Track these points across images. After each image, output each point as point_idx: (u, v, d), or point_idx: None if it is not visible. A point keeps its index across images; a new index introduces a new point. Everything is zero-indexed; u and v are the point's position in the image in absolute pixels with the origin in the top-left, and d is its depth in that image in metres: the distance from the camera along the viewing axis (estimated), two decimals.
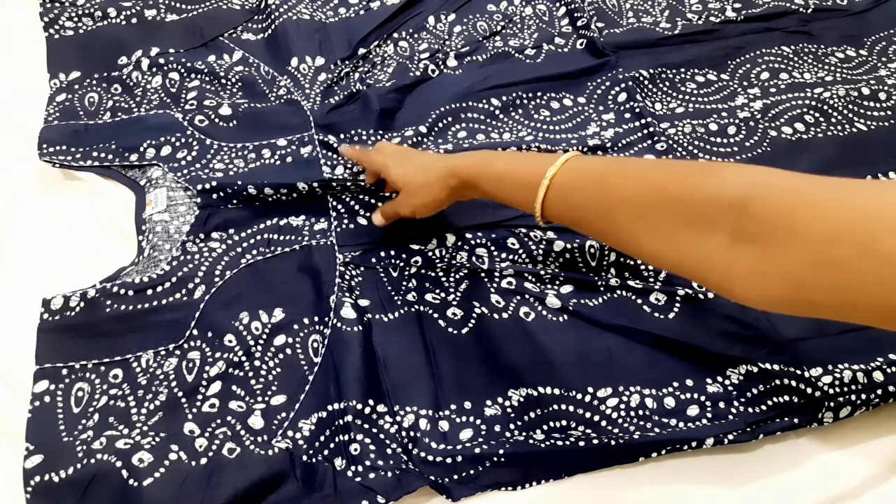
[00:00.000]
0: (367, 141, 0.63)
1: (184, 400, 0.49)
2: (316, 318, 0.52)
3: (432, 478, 0.46)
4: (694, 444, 0.47)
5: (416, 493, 0.46)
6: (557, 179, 0.41)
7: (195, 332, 0.51)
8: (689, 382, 0.50)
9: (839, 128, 0.64)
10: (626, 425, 0.48)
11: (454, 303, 0.53)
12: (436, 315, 0.53)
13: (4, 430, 0.48)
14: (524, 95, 0.65)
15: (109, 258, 0.56)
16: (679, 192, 0.36)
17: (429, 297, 0.54)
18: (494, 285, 0.54)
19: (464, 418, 0.49)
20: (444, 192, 0.49)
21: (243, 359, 0.50)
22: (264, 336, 0.51)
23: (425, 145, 0.61)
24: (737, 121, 0.64)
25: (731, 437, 0.47)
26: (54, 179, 0.60)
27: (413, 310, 0.53)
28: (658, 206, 0.37)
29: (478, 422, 0.48)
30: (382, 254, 0.55)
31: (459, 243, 0.56)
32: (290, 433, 0.47)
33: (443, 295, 0.54)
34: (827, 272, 0.30)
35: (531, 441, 0.47)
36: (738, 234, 0.33)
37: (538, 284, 0.54)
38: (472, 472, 0.46)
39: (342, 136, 0.62)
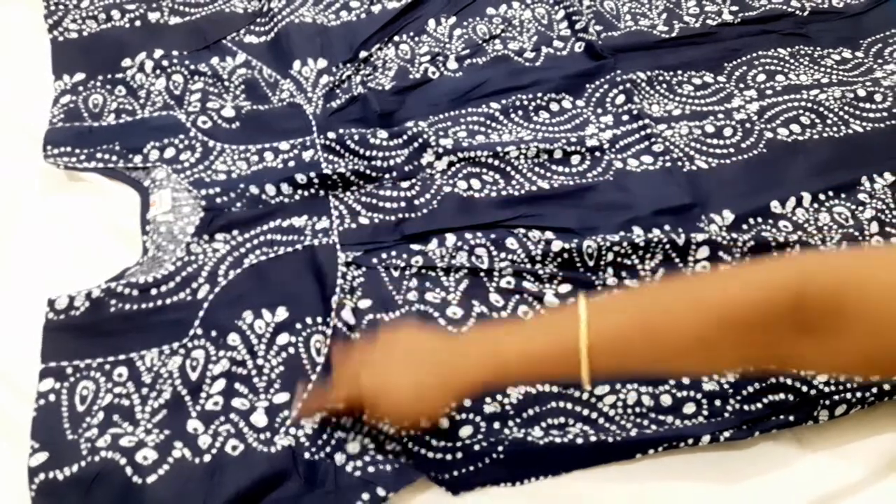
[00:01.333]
0: (367, 138, 0.63)
1: (188, 398, 0.49)
2: (319, 318, 0.52)
3: (431, 474, 0.46)
4: (690, 441, 0.48)
5: (416, 486, 0.46)
6: (593, 343, 0.37)
7: (199, 331, 0.52)
8: (686, 380, 0.51)
9: (835, 129, 0.64)
10: (623, 423, 0.48)
11: (454, 302, 0.54)
12: (436, 314, 0.53)
13: (5, 430, 0.48)
14: (522, 100, 0.66)
15: (114, 259, 0.56)
16: (737, 311, 0.35)
17: (429, 296, 0.54)
18: (494, 285, 0.55)
19: (463, 415, 0.49)
20: (446, 411, 0.44)
21: (246, 357, 0.51)
22: (267, 335, 0.52)
23: (424, 140, 0.61)
24: (733, 123, 0.64)
25: (727, 434, 0.48)
26: (59, 180, 0.61)
27: (414, 309, 0.53)
28: (719, 333, 0.35)
29: (477, 419, 0.49)
30: (384, 254, 0.56)
31: (459, 243, 0.56)
32: (292, 431, 0.48)
33: (443, 294, 0.54)
34: (891, 346, 0.31)
35: (530, 438, 0.48)
36: (801, 329, 0.33)
37: (537, 283, 0.55)
38: (471, 468, 0.47)
39: (344, 136, 0.63)
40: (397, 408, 0.41)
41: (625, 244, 0.55)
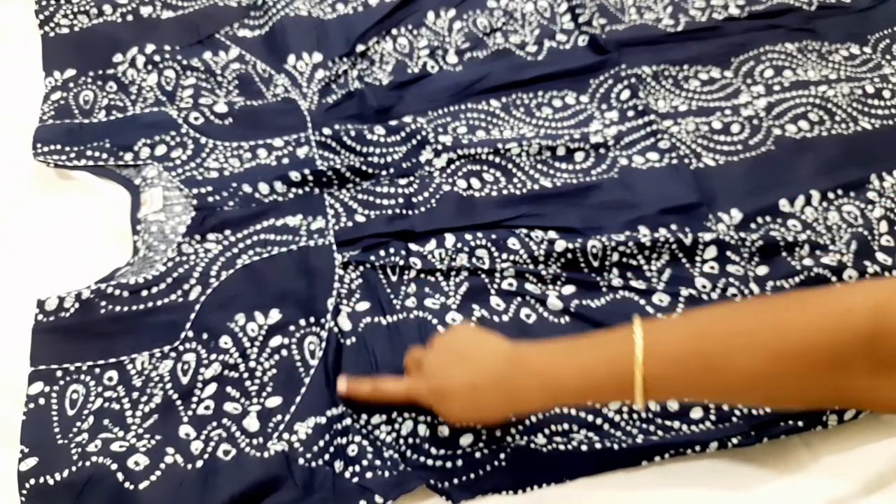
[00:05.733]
0: (364, 134, 0.62)
1: (179, 402, 0.48)
2: (312, 320, 0.51)
3: (431, 482, 0.45)
4: (697, 447, 0.47)
5: (415, 494, 0.45)
6: (649, 374, 0.38)
7: (190, 333, 0.51)
8: None
9: (843, 126, 0.63)
10: (628, 429, 0.47)
11: (454, 307, 0.53)
12: (435, 321, 0.52)
13: (2, 433, 0.47)
14: (524, 95, 0.64)
15: (105, 258, 0.55)
16: (799, 349, 0.33)
17: (428, 301, 0.53)
18: (495, 287, 0.54)
19: None
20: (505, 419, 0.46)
21: (238, 360, 0.50)
22: (260, 337, 0.51)
23: (422, 136, 0.60)
24: (741, 119, 0.63)
25: (734, 440, 0.47)
26: (50, 179, 0.60)
27: (412, 315, 0.52)
28: (781, 373, 0.34)
29: (478, 426, 0.48)
30: (382, 252, 0.55)
31: (459, 245, 0.55)
32: (285, 436, 0.47)
33: (442, 299, 0.53)
34: None
35: (532, 445, 0.47)
36: (877, 366, 0.32)
37: (539, 285, 0.54)
38: (472, 476, 0.46)
39: (340, 132, 0.61)
40: (457, 414, 0.44)
41: (630, 244, 0.54)
